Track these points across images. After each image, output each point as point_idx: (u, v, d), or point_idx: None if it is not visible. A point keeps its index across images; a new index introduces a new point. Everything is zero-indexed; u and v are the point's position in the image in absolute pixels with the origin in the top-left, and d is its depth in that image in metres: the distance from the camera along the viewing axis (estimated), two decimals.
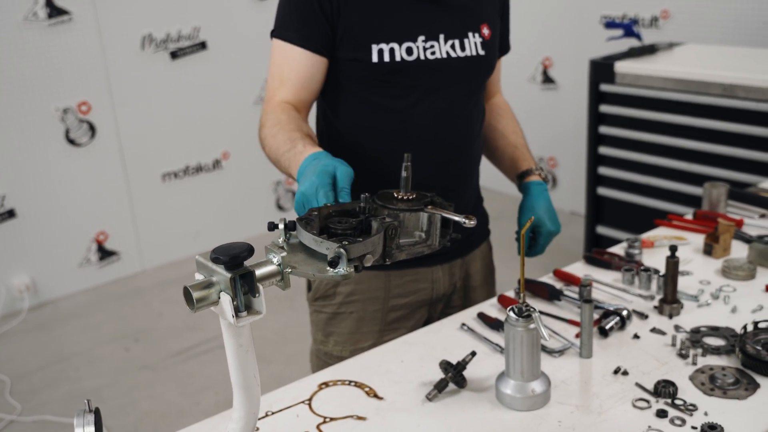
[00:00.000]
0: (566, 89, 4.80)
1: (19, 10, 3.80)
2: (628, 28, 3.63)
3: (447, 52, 1.62)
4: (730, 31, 3.86)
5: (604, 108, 3.53)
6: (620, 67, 3.40)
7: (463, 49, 1.63)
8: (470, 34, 1.64)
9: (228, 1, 4.47)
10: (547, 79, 4.88)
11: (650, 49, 3.55)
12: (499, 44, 1.78)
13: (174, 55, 4.34)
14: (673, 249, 1.59)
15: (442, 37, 1.61)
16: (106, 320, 3.96)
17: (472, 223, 1.21)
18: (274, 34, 1.62)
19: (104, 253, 4.36)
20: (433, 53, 1.60)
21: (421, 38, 1.59)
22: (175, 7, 4.30)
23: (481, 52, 1.66)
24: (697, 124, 3.23)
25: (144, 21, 4.21)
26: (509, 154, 1.83)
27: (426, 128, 1.64)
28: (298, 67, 1.60)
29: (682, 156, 3.33)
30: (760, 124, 3.05)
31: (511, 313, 1.29)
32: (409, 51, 1.59)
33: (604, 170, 3.64)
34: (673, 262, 1.59)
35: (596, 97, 3.54)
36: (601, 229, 3.71)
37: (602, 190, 3.67)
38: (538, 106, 4.90)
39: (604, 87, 3.49)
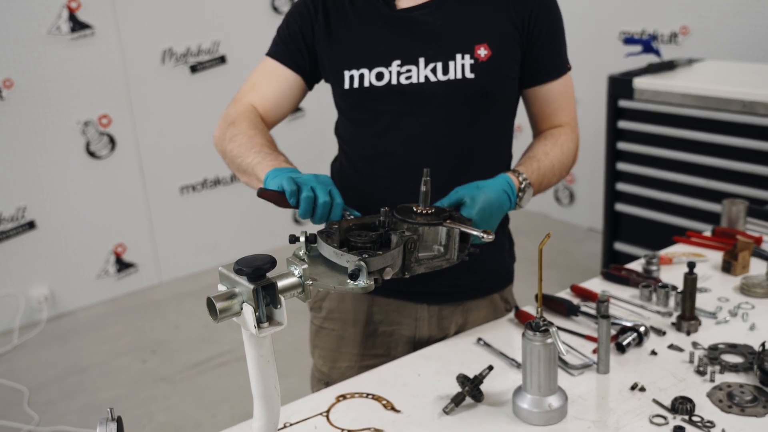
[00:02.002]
0: (584, 104, 4.79)
1: (43, 24, 3.86)
2: (647, 44, 3.64)
3: (426, 77, 1.53)
4: (750, 48, 3.86)
5: (623, 124, 3.53)
6: (639, 83, 3.40)
7: (446, 72, 1.53)
8: (458, 56, 1.53)
9: (247, 16, 4.51)
10: None
11: (669, 65, 3.55)
12: (538, 67, 1.62)
13: (194, 68, 4.39)
14: (692, 266, 1.59)
15: (422, 60, 1.53)
16: (123, 332, 3.99)
17: (489, 237, 1.22)
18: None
19: (122, 265, 4.39)
20: (408, 78, 1.53)
21: (397, 63, 1.54)
22: (196, 21, 4.36)
23: (470, 75, 1.52)
24: (716, 140, 3.22)
25: (165, 35, 4.26)
26: (521, 158, 1.62)
27: (398, 155, 1.57)
28: (271, 78, 1.66)
29: (701, 172, 3.32)
30: None
31: (529, 328, 1.30)
32: (380, 76, 1.54)
33: (622, 186, 3.63)
34: (691, 278, 1.58)
35: (615, 112, 3.54)
36: (619, 246, 3.70)
37: (620, 206, 3.66)
38: None
39: (623, 103, 3.50)
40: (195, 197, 4.58)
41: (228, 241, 4.71)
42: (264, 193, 1.29)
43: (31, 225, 4.03)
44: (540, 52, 1.60)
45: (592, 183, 4.77)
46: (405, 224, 1.22)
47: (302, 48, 1.63)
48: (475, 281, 1.69)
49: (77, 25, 3.95)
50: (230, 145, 1.56)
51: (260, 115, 1.65)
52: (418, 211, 1.27)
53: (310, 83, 1.69)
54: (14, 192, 3.96)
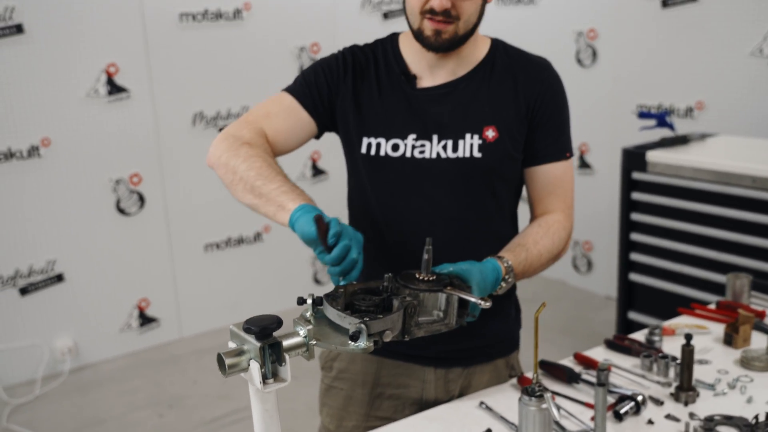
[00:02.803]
0: (602, 174, 4.88)
1: (82, 87, 4.05)
2: (661, 119, 3.72)
3: (438, 153, 1.62)
4: (766, 124, 3.92)
5: (636, 195, 3.59)
6: (652, 156, 3.48)
7: (455, 150, 1.62)
8: (468, 135, 1.62)
9: (276, 83, 4.63)
10: (584, 164, 4.97)
11: (682, 140, 3.62)
12: (537, 149, 1.68)
13: (222, 131, 4.53)
14: (689, 337, 1.64)
15: (435, 137, 1.63)
16: (142, 386, 4.05)
17: (487, 304, 1.29)
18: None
19: (145, 320, 4.48)
20: (422, 152, 1.62)
21: (412, 136, 1.63)
22: (226, 87, 4.53)
23: (477, 155, 1.62)
24: (727, 214, 3.27)
25: (196, 99, 4.44)
26: (512, 242, 1.66)
27: (406, 225, 1.65)
28: (287, 114, 1.69)
29: (712, 245, 3.36)
30: None
31: (524, 393, 1.35)
32: (395, 147, 1.63)
33: (636, 256, 3.67)
34: (688, 350, 1.63)
35: (628, 184, 3.61)
36: (633, 315, 3.72)
37: (634, 276, 3.69)
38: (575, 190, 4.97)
39: (636, 175, 3.56)
40: (219, 255, 4.69)
41: (249, 299, 4.80)
42: (320, 220, 1.28)
43: (59, 278, 4.15)
44: (540, 135, 1.68)
45: (609, 252, 4.81)
46: (407, 290, 1.30)
47: (324, 98, 1.69)
48: (480, 346, 1.75)
49: (114, 89, 4.14)
50: (245, 164, 1.53)
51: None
52: (420, 277, 1.35)
53: (320, 132, 1.74)
54: (46, 245, 4.09)
